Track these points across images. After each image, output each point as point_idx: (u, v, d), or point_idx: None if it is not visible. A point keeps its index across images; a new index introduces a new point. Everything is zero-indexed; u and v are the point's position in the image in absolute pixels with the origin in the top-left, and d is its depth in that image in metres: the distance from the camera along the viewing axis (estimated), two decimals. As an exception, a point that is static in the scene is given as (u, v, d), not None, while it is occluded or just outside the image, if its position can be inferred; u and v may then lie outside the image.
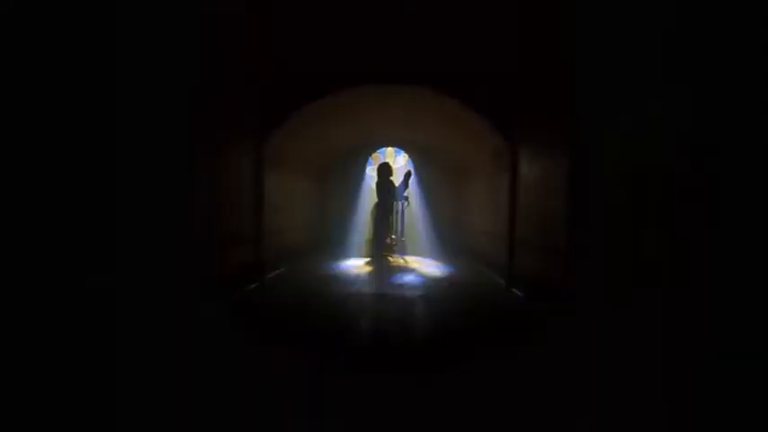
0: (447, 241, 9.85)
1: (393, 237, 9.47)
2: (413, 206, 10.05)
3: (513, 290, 5.62)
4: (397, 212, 9.48)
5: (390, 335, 3.82)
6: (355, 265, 7.87)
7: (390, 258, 8.77)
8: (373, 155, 11.13)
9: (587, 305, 3.76)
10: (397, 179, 9.64)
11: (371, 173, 10.87)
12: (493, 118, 5.81)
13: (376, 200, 9.48)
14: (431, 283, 6.08)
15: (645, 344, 2.86)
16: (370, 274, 6.91)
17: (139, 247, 3.26)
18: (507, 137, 5.84)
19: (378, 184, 9.40)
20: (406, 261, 8.44)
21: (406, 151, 10.99)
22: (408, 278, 6.47)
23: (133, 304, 3.15)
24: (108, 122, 2.93)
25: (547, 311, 4.45)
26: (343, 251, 9.26)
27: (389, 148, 11.20)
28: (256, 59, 5.54)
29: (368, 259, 8.54)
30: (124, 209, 3.09)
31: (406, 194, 9.51)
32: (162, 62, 3.52)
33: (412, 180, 9.77)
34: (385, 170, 9.41)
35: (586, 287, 3.81)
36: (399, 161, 11.17)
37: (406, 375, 2.89)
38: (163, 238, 3.56)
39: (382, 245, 9.22)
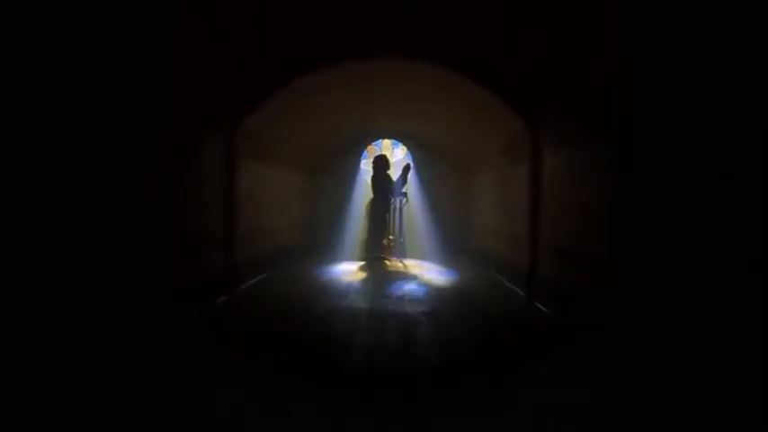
0: (451, 243, 8.89)
1: (390, 237, 8.51)
2: (412, 203, 9.08)
3: (536, 303, 4.68)
4: (394, 210, 8.50)
5: (387, 376, 2.87)
6: (348, 269, 6.90)
7: (387, 262, 7.81)
8: (369, 147, 10.18)
9: (637, 328, 2.84)
10: (394, 173, 8.67)
11: (366, 166, 9.91)
12: (514, 99, 4.84)
13: (371, 196, 8.50)
14: (435, 295, 5.13)
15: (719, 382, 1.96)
16: (364, 281, 5.95)
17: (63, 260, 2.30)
18: (529, 121, 4.88)
19: (373, 179, 8.42)
20: (405, 265, 7.49)
21: (405, 143, 10.04)
22: (409, 288, 5.51)
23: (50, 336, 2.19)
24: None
25: (586, 334, 3.50)
26: (334, 253, 8.28)
27: (386, 141, 10.24)
28: (227, 29, 4.53)
29: (362, 263, 7.58)
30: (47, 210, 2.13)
31: (404, 190, 8.52)
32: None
33: (411, 174, 8.79)
34: (381, 163, 8.43)
35: (637, 306, 2.88)
36: (397, 154, 10.22)
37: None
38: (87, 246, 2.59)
39: (378, 246, 8.26)
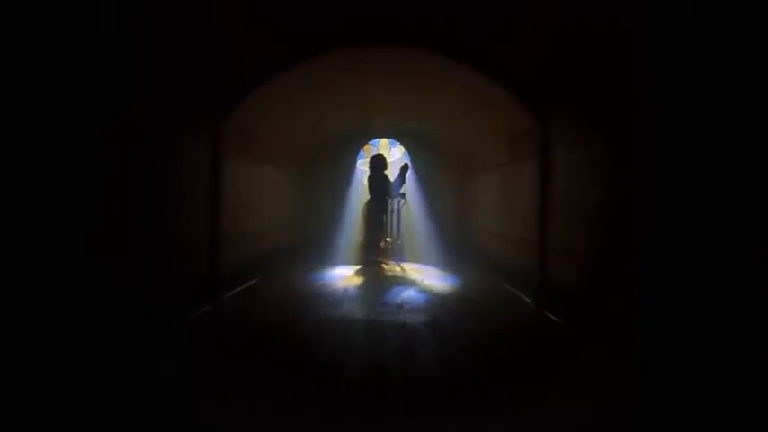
0: (451, 245, 8.53)
1: (388, 240, 8.13)
2: (410, 204, 8.71)
3: (546, 312, 4.33)
4: (392, 212, 8.12)
5: (386, 398, 2.50)
6: (343, 274, 6.53)
7: (385, 266, 7.44)
8: (365, 147, 9.82)
9: (667, 346, 2.50)
10: (392, 173, 8.30)
11: (363, 167, 9.54)
12: (522, 92, 4.49)
13: (368, 197, 8.13)
14: (436, 303, 4.76)
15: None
16: (360, 287, 5.58)
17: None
18: (538, 117, 4.53)
19: (370, 179, 8.05)
20: (403, 269, 7.12)
21: (403, 143, 9.68)
22: (407, 295, 5.14)
23: None
24: None
25: (604, 349, 3.14)
26: (329, 257, 7.90)
27: (383, 140, 9.88)
28: (211, 12, 4.15)
29: (358, 267, 7.20)
30: None
31: (402, 191, 8.14)
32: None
33: (409, 174, 8.41)
34: (378, 163, 8.06)
35: (668, 321, 2.54)
36: (395, 154, 9.86)
37: None
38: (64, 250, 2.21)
39: (375, 249, 7.88)
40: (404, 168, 8.09)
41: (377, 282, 6.01)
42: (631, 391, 2.46)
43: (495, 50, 4.25)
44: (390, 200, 8.03)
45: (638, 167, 2.90)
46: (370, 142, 9.80)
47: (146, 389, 2.47)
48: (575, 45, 3.53)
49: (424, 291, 5.38)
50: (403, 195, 8.11)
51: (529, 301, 4.80)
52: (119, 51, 2.90)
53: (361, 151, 9.78)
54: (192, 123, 4.20)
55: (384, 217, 8.04)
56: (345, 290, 5.35)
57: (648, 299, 2.77)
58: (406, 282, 5.99)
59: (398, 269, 7.15)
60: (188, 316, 3.98)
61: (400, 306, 4.55)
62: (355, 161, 9.66)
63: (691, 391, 2.27)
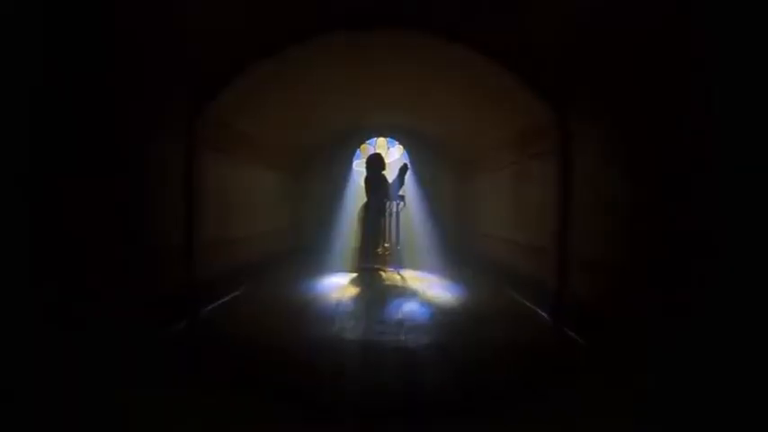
0: (454, 252, 8.01)
1: (386, 245, 7.58)
2: (410, 207, 8.17)
3: (566, 330, 3.79)
4: (390, 215, 7.57)
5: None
6: (338, 283, 5.98)
7: (383, 273, 6.89)
8: (362, 146, 9.30)
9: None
10: (390, 174, 7.76)
11: (359, 167, 9.02)
12: (535, 77, 3.97)
13: (364, 199, 7.59)
14: (441, 320, 4.22)
15: None
16: (356, 300, 5.03)
17: None
18: (557, 108, 4.01)
19: (367, 180, 7.50)
20: (402, 278, 6.57)
21: (402, 142, 9.17)
22: (408, 309, 4.60)
23: None
24: None
25: (637, 375, 2.62)
26: (323, 264, 7.35)
27: (381, 139, 9.37)
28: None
29: (354, 275, 6.66)
30: None
31: (401, 193, 7.59)
32: None
33: (409, 175, 7.87)
34: (375, 163, 7.52)
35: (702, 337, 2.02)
36: (393, 154, 9.35)
37: None
38: None
39: (372, 256, 7.33)
40: (403, 169, 7.54)
41: (374, 293, 5.46)
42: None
43: (505, 31, 3.73)
44: (389, 202, 7.48)
45: (694, 161, 2.37)
46: (367, 141, 9.29)
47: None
48: (607, 18, 3.02)
49: (426, 304, 4.83)
50: (402, 198, 7.56)
51: (545, 316, 4.27)
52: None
53: (358, 151, 9.27)
54: (162, 121, 3.66)
55: (382, 221, 7.49)
56: (339, 303, 4.80)
57: (696, 317, 2.25)
58: (406, 293, 5.45)
59: (397, 277, 6.61)
60: (159, 334, 3.43)
61: (400, 323, 4.00)
62: (351, 161, 9.14)
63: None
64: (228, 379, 2.75)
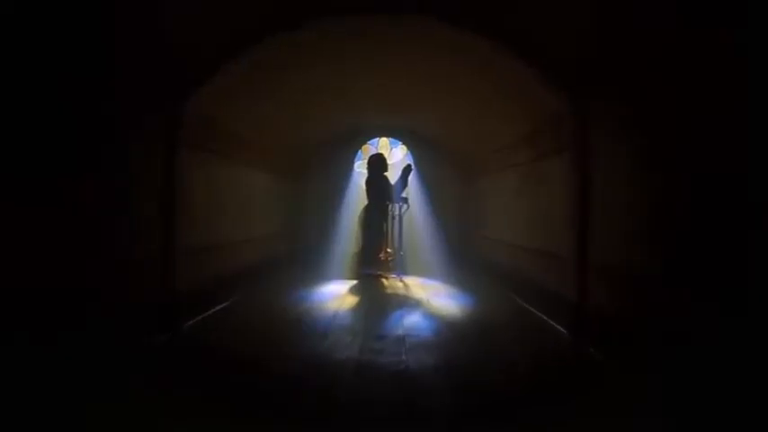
0: (460, 257, 7.60)
1: (388, 250, 7.19)
2: (413, 210, 7.77)
3: (586, 346, 3.38)
4: (392, 218, 7.18)
5: None
6: (336, 292, 5.59)
7: (384, 280, 6.50)
8: (363, 147, 8.91)
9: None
10: (392, 175, 7.37)
11: (360, 168, 8.64)
12: (550, 64, 3.56)
13: (366, 202, 7.20)
14: (448, 335, 3.82)
15: None
16: (354, 311, 4.63)
17: None
18: (575, 100, 3.60)
19: (368, 182, 7.12)
20: (405, 285, 6.18)
21: (405, 142, 8.78)
22: (411, 321, 4.20)
23: None
24: None
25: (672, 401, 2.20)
26: (321, 270, 6.97)
27: (384, 139, 8.99)
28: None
29: (354, 282, 6.27)
30: None
31: (404, 195, 7.19)
32: None
33: (412, 176, 7.46)
34: (377, 163, 7.13)
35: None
36: (396, 155, 8.96)
37: None
38: None
39: (374, 261, 6.94)
40: (406, 170, 7.15)
41: (374, 302, 5.06)
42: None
43: (515, 12, 3.34)
44: (391, 205, 7.09)
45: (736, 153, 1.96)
46: (369, 142, 8.91)
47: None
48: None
49: (430, 315, 4.43)
50: (405, 200, 7.16)
51: (561, 329, 3.85)
52: None
53: (359, 152, 8.89)
54: (135, 106, 3.29)
55: (384, 224, 7.10)
56: (335, 315, 4.41)
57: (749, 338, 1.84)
58: (408, 302, 5.04)
59: (400, 285, 6.21)
60: (133, 351, 3.04)
61: (402, 339, 3.60)
62: (352, 162, 8.76)
63: None
64: (196, 400, 2.37)
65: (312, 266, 7.23)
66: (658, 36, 2.60)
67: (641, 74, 2.82)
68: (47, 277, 2.45)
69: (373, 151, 8.40)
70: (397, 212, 7.13)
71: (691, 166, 2.35)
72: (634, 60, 2.88)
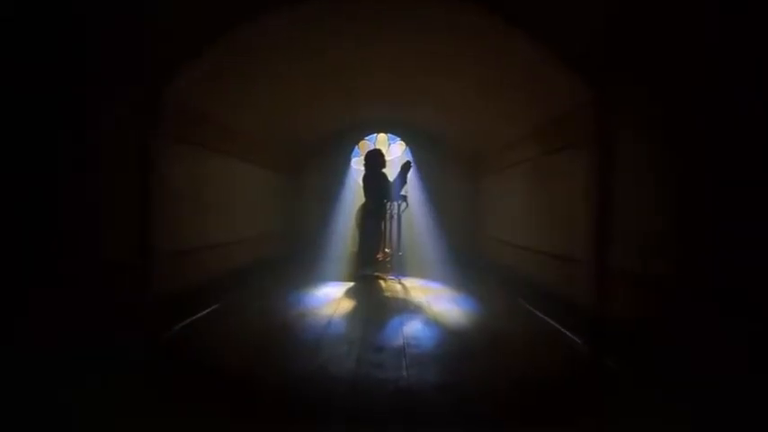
0: (462, 258, 7.28)
1: (386, 251, 6.87)
2: (413, 208, 7.45)
3: (606, 360, 3.05)
4: (391, 217, 6.85)
5: None
6: (331, 295, 5.25)
7: (383, 282, 6.17)
8: (360, 143, 8.59)
9: None
10: (391, 172, 7.04)
11: (357, 165, 8.31)
12: (569, 49, 3.23)
13: (363, 200, 6.87)
14: (453, 345, 3.48)
15: None
16: (349, 318, 4.30)
17: None
18: (598, 89, 3.27)
19: (365, 179, 6.78)
20: (405, 288, 5.85)
21: (404, 137, 8.45)
22: (412, 329, 3.87)
23: None
24: None
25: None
26: (316, 271, 6.64)
27: (382, 135, 8.66)
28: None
29: (351, 284, 5.94)
30: None
31: (403, 193, 6.86)
32: None
33: (412, 173, 7.13)
34: (375, 159, 6.79)
35: None
36: (395, 151, 8.63)
37: None
38: None
39: (372, 262, 6.62)
40: (405, 166, 6.80)
41: (372, 307, 4.73)
42: None
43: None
44: (389, 203, 6.75)
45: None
46: (366, 137, 8.58)
47: None
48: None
49: (433, 322, 4.10)
50: (404, 198, 6.83)
51: (576, 339, 3.53)
52: None
53: (356, 148, 8.56)
54: (106, 93, 2.94)
55: (382, 224, 6.77)
56: (330, 321, 4.07)
57: None
58: (408, 307, 4.71)
59: (399, 287, 5.88)
60: (102, 362, 2.70)
61: (402, 351, 3.26)
62: (349, 158, 8.43)
63: None
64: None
65: (307, 267, 6.89)
66: (697, 19, 2.27)
67: (669, 63, 2.49)
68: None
69: (371, 147, 8.06)
70: (395, 211, 6.80)
71: (721, 165, 2.02)
72: (664, 48, 2.55)
